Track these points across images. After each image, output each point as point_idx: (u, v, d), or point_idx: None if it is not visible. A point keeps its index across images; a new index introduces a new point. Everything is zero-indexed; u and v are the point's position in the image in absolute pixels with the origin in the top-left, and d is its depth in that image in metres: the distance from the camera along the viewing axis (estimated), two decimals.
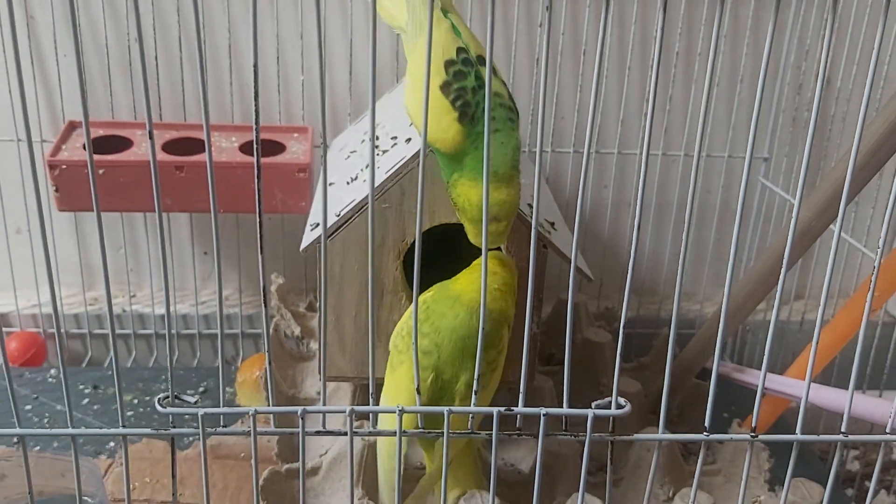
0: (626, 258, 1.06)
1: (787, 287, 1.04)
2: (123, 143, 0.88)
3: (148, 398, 0.90)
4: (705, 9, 0.94)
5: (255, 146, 0.39)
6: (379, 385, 0.59)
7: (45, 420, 0.85)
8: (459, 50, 0.59)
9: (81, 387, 0.91)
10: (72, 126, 0.91)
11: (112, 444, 0.81)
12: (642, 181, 0.45)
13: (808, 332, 0.79)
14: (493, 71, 0.58)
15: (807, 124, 0.98)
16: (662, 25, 0.39)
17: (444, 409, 0.46)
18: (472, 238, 0.60)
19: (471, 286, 0.59)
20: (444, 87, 0.58)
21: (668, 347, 0.86)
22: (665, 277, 1.07)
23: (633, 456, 0.74)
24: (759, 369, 0.82)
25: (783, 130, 1.00)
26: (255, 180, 0.39)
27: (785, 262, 0.44)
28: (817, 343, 0.72)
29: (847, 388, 0.84)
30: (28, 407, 0.87)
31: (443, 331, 0.58)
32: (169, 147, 0.89)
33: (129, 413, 0.88)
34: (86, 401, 0.89)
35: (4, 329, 1.00)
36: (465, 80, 0.58)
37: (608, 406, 0.48)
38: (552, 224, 0.73)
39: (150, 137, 0.39)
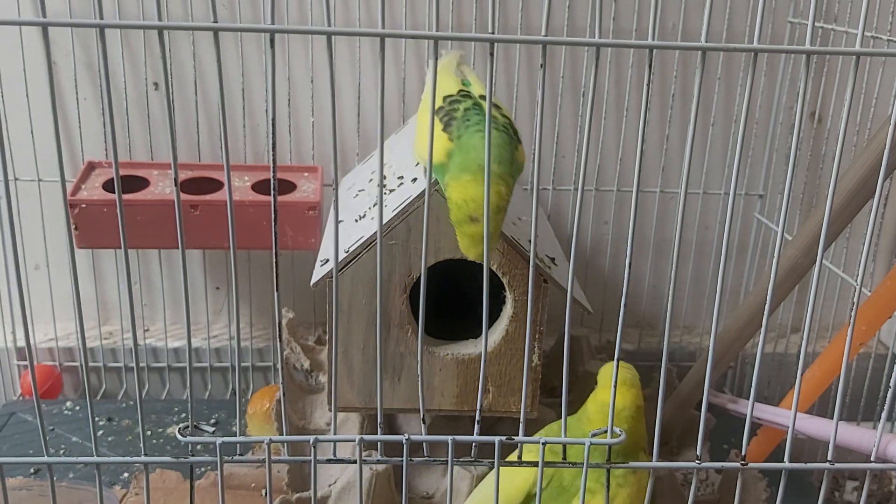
0: (626, 293, 1.08)
1: (784, 320, 1.07)
2: (140, 183, 0.92)
3: (161, 429, 0.93)
4: (699, 53, 0.97)
5: (272, 195, 0.42)
6: (384, 416, 0.60)
7: (62, 451, 0.88)
8: (461, 90, 0.64)
9: (96, 419, 0.94)
10: (91, 166, 0.95)
11: (126, 474, 0.84)
12: (633, 218, 0.48)
13: (806, 363, 0.81)
14: (498, 107, 0.62)
15: (799, 163, 1.02)
16: (649, 81, 0.43)
17: (448, 437, 0.49)
18: (462, 248, 0.58)
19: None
20: (438, 111, 0.62)
21: (668, 380, 0.89)
22: (665, 311, 1.09)
23: None
24: (755, 400, 0.84)
25: (777, 168, 1.03)
26: (272, 225, 0.42)
27: (768, 300, 0.47)
28: (808, 375, 0.75)
29: (843, 418, 0.86)
30: (46, 439, 0.90)
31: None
32: (183, 186, 0.92)
33: (144, 444, 0.90)
34: (101, 432, 0.92)
35: (21, 363, 1.04)
36: (458, 104, 0.62)
37: (605, 436, 0.50)
38: (553, 259, 0.76)
39: (176, 185, 0.43)
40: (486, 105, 0.60)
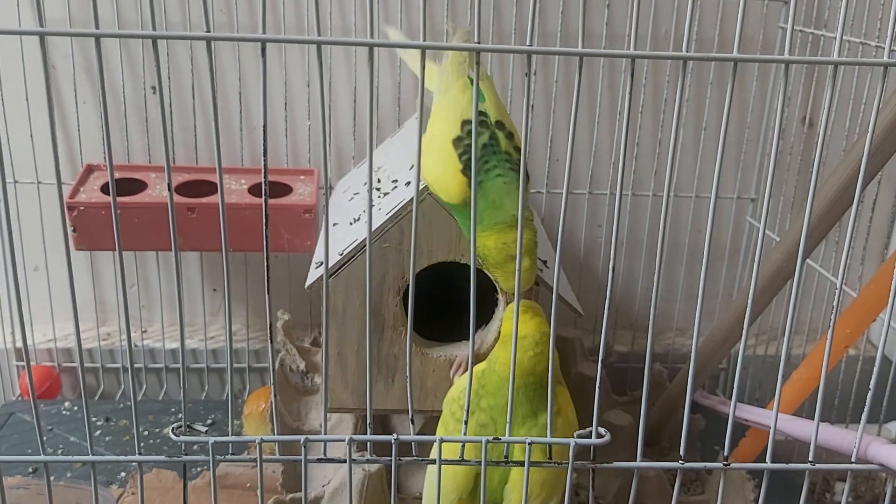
0: (619, 295, 1.10)
1: (774, 323, 1.08)
2: (138, 186, 0.93)
3: (158, 430, 0.94)
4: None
5: (263, 200, 0.43)
6: (378, 417, 0.60)
7: (60, 450, 0.89)
8: (479, 113, 0.63)
9: (94, 419, 0.95)
10: (89, 169, 0.96)
11: (123, 474, 0.85)
12: (616, 221, 0.49)
13: (796, 365, 0.82)
14: (511, 136, 0.62)
15: (790, 167, 1.03)
16: (631, 89, 0.44)
17: (437, 437, 0.50)
18: (503, 284, 0.63)
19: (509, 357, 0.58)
20: (456, 142, 0.62)
21: (660, 381, 0.90)
22: (658, 313, 1.10)
23: (623, 485, 0.77)
24: (746, 402, 0.85)
25: (768, 172, 1.04)
26: (264, 228, 0.43)
27: (749, 303, 0.48)
28: (796, 377, 0.76)
29: (834, 419, 0.87)
30: (44, 438, 0.91)
31: (496, 407, 0.58)
32: (181, 189, 0.93)
33: (140, 444, 0.91)
34: (98, 432, 0.93)
35: (20, 363, 1.05)
36: (477, 139, 0.61)
37: (590, 436, 0.51)
38: (544, 262, 0.77)
39: (169, 189, 0.44)
40: (501, 136, 0.62)
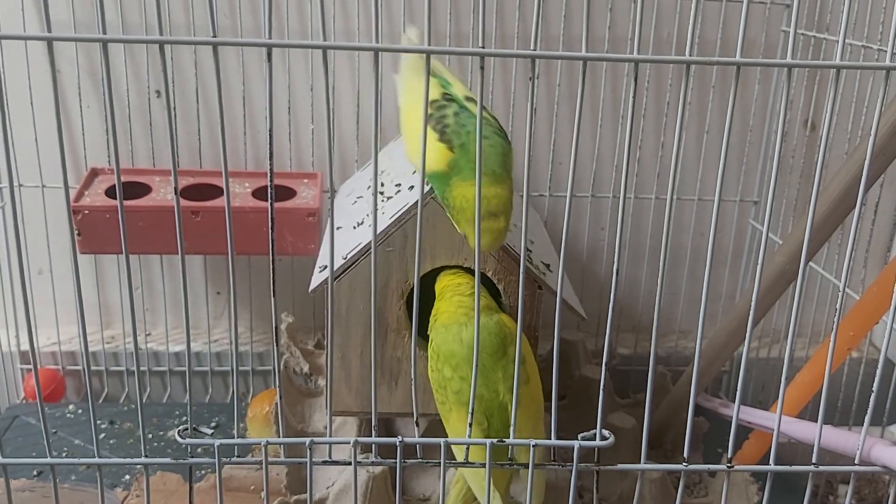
0: (622, 298, 1.10)
1: (777, 325, 1.08)
2: (142, 189, 0.93)
3: (162, 433, 0.94)
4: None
5: (269, 203, 0.43)
6: (382, 420, 0.61)
7: (65, 453, 0.89)
8: (443, 94, 0.66)
9: (98, 422, 0.95)
10: (94, 173, 0.96)
11: (127, 477, 0.85)
12: (620, 224, 0.49)
13: (798, 368, 0.82)
14: (483, 108, 0.64)
15: (793, 170, 1.03)
16: (635, 93, 0.44)
17: (441, 440, 0.50)
18: (471, 240, 0.62)
19: (451, 311, 0.63)
20: (428, 120, 0.64)
21: (663, 384, 0.90)
22: (661, 316, 1.10)
23: (627, 488, 0.77)
24: (749, 405, 0.85)
25: (771, 175, 1.04)
26: (269, 231, 0.43)
27: (752, 305, 0.48)
28: (799, 379, 0.76)
29: (836, 422, 0.88)
30: (49, 441, 0.91)
31: (459, 363, 0.61)
32: (185, 193, 0.94)
33: (146, 447, 0.91)
34: (102, 435, 0.93)
35: (24, 366, 1.05)
36: (446, 110, 0.64)
37: (593, 438, 0.51)
38: (548, 266, 0.77)
39: (176, 193, 0.44)
40: (472, 108, 0.64)
